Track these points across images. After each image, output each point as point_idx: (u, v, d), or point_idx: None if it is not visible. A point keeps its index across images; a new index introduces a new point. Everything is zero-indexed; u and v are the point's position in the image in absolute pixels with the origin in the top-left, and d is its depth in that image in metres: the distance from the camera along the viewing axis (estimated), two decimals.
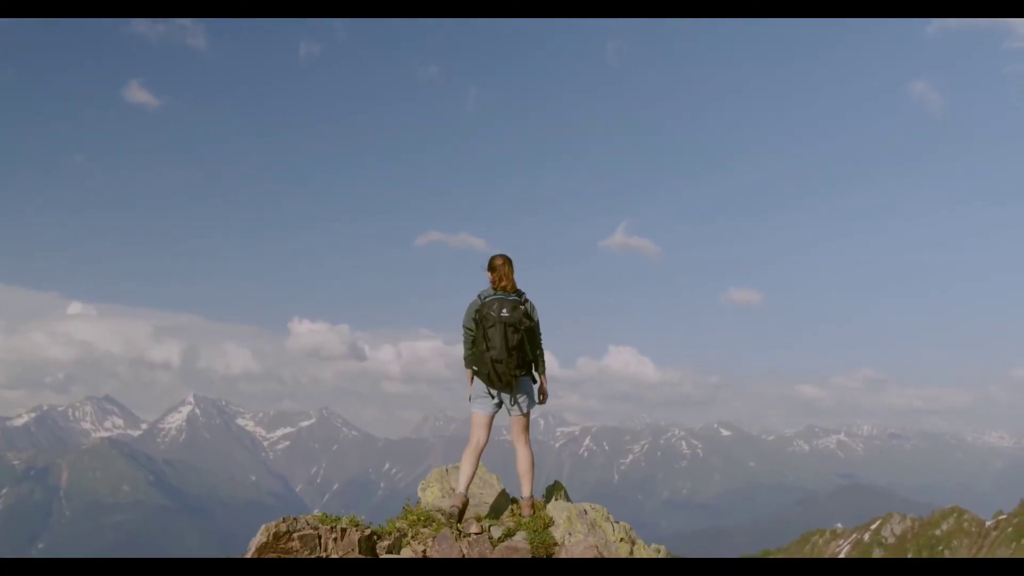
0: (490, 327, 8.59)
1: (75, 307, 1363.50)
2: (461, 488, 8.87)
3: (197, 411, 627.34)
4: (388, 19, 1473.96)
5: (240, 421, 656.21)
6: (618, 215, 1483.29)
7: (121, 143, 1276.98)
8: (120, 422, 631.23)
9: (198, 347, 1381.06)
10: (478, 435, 8.98)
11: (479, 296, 8.88)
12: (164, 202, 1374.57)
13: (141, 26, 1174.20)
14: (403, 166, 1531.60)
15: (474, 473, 9.01)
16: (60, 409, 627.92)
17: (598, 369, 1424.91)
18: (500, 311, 8.61)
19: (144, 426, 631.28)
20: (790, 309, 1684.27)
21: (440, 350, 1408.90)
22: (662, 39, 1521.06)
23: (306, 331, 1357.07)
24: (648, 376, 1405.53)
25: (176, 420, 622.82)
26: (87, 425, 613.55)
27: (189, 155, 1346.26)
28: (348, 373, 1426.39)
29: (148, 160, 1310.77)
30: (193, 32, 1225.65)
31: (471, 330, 8.83)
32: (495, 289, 8.87)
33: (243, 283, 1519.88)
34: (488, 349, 8.60)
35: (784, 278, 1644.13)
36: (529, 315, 8.81)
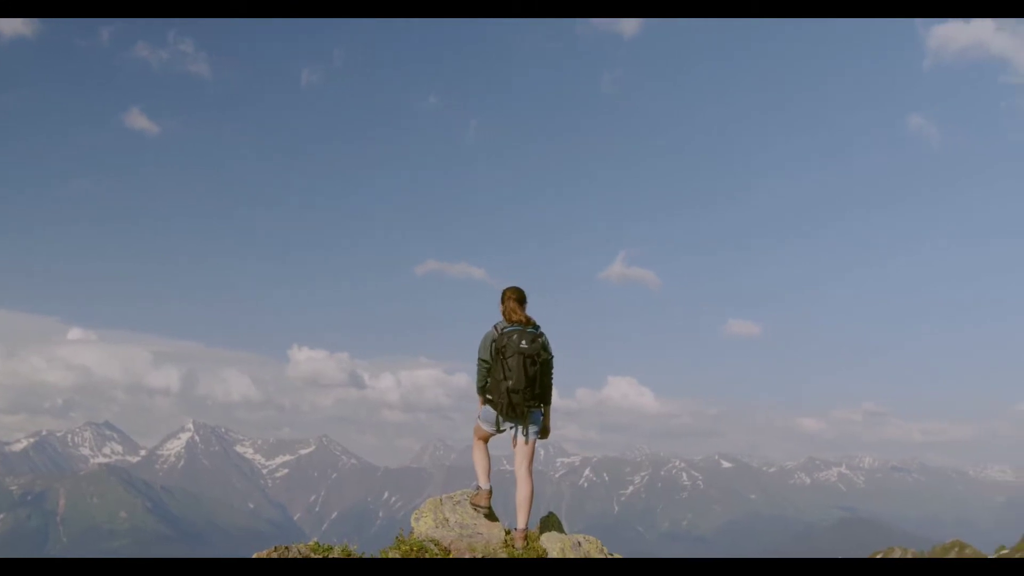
0: (510, 357, 8.70)
1: (75, 332, 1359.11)
2: (482, 483, 9.43)
3: (196, 438, 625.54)
4: (388, 50, 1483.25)
5: (239, 448, 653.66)
6: (617, 245, 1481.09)
7: (122, 169, 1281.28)
8: (119, 448, 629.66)
9: (197, 373, 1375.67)
10: (480, 436, 9.40)
11: (495, 327, 9.00)
12: (164, 229, 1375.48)
13: (144, 52, 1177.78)
14: (403, 195, 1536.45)
15: (489, 462, 9.52)
16: (59, 434, 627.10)
17: (598, 400, 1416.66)
18: (520, 342, 8.74)
19: (143, 452, 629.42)
20: (789, 341, 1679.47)
21: (440, 379, 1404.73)
22: (658, 68, 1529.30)
23: (305, 358, 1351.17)
24: (648, 407, 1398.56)
25: (175, 447, 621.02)
26: (86, 451, 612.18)
27: (189, 182, 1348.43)
28: (348, 401, 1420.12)
29: (148, 186, 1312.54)
30: (195, 59, 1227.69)
31: (486, 361, 8.96)
32: (509, 321, 9.01)
33: (243, 310, 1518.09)
34: (505, 379, 8.72)
35: (783, 310, 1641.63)
36: (546, 347, 8.98)
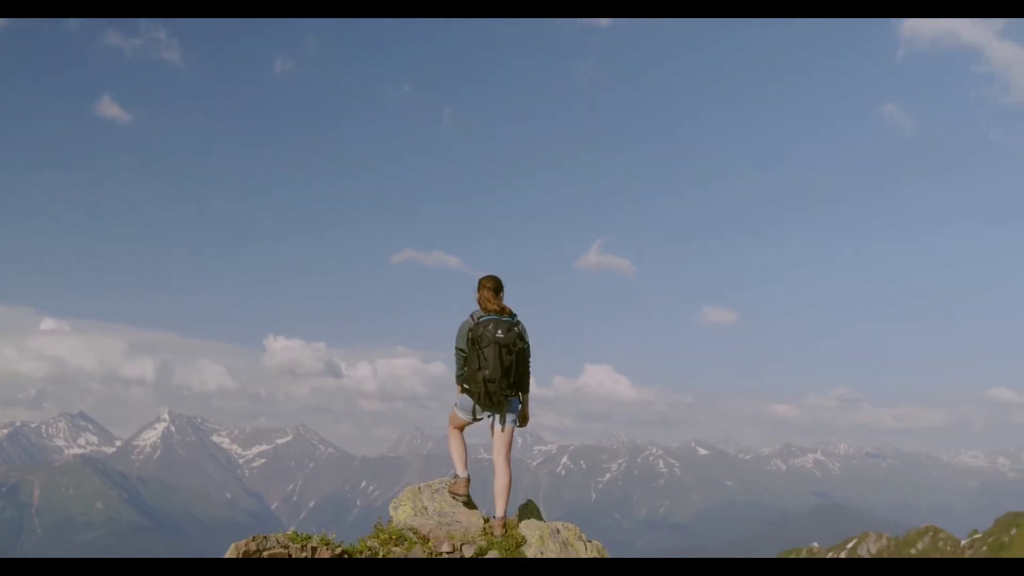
0: (485, 347, 8.72)
1: (48, 323, 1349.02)
2: (460, 471, 9.48)
3: (172, 428, 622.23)
4: (361, 38, 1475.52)
5: (215, 438, 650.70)
6: (593, 234, 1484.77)
7: (94, 158, 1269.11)
8: (94, 439, 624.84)
9: (173, 363, 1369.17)
10: (456, 424, 9.40)
11: (471, 316, 9.00)
12: (138, 218, 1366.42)
13: (115, 39, 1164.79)
14: (378, 183, 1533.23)
15: (466, 450, 9.55)
16: (33, 426, 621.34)
17: (574, 388, 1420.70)
18: (496, 332, 8.76)
19: (118, 443, 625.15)
20: (764, 329, 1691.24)
21: (416, 368, 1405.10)
22: (633, 58, 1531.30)
23: (281, 348, 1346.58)
24: (624, 395, 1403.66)
25: (151, 437, 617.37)
26: (60, 442, 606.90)
27: (162, 170, 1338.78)
28: (324, 390, 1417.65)
29: (121, 175, 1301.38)
30: (168, 46, 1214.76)
31: (463, 350, 8.98)
32: (485, 310, 9.01)
33: (218, 299, 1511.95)
34: (481, 368, 8.74)
35: (758, 298, 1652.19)
36: (522, 336, 9.01)
